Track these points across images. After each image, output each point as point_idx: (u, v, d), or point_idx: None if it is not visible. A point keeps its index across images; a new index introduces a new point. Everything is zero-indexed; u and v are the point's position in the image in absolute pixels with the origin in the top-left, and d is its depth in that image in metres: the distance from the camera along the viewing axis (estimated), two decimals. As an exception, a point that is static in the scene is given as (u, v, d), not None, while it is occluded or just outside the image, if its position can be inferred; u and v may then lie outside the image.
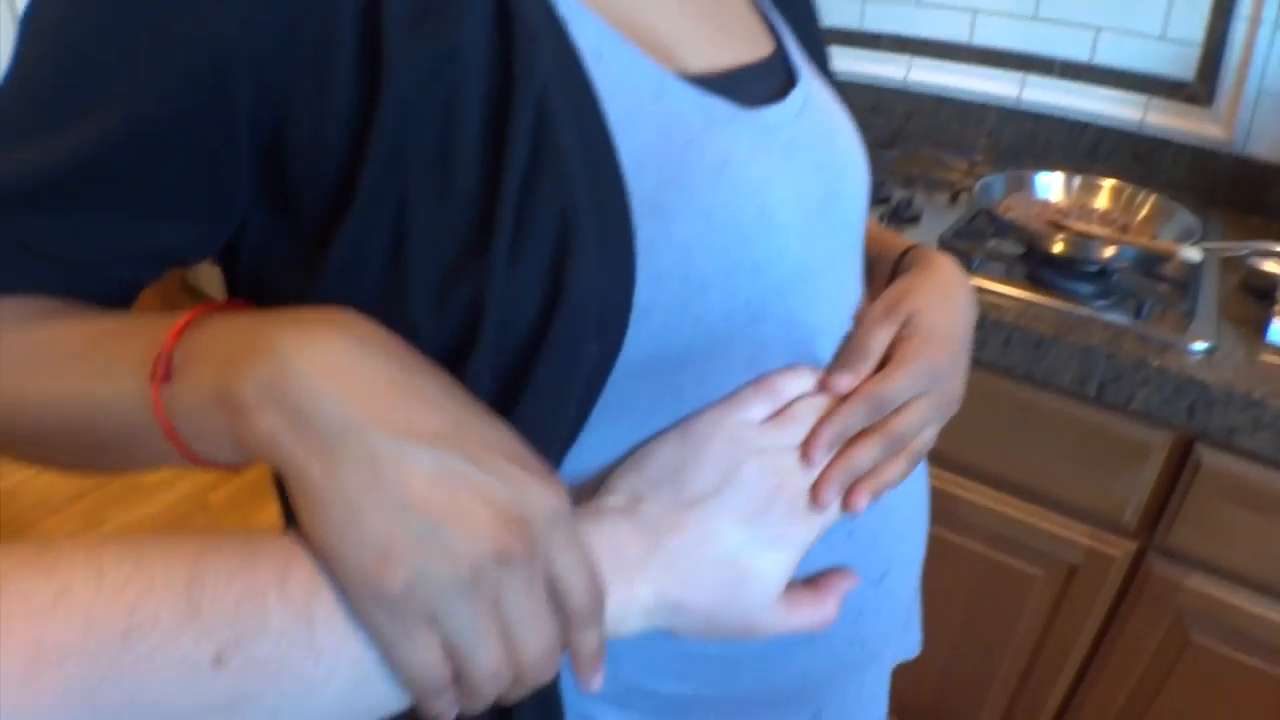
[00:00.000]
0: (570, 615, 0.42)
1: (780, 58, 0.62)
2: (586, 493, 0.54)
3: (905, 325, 0.60)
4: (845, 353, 0.59)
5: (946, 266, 0.67)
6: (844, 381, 0.56)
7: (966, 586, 1.40)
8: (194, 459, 0.44)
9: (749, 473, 0.52)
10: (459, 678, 0.39)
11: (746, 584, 0.51)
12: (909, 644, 0.78)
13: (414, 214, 0.44)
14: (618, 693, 0.62)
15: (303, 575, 0.36)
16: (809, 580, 0.58)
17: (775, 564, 0.52)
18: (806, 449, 0.54)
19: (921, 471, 0.67)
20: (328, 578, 0.37)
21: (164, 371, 0.42)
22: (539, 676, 0.41)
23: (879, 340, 0.59)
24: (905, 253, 0.73)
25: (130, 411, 0.44)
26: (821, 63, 0.71)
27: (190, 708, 0.33)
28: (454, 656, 0.38)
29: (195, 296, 2.76)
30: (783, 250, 0.53)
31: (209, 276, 2.61)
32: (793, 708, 0.66)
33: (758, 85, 0.57)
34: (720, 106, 0.52)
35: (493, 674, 0.39)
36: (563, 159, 0.44)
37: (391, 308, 0.45)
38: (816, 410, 0.55)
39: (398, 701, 0.40)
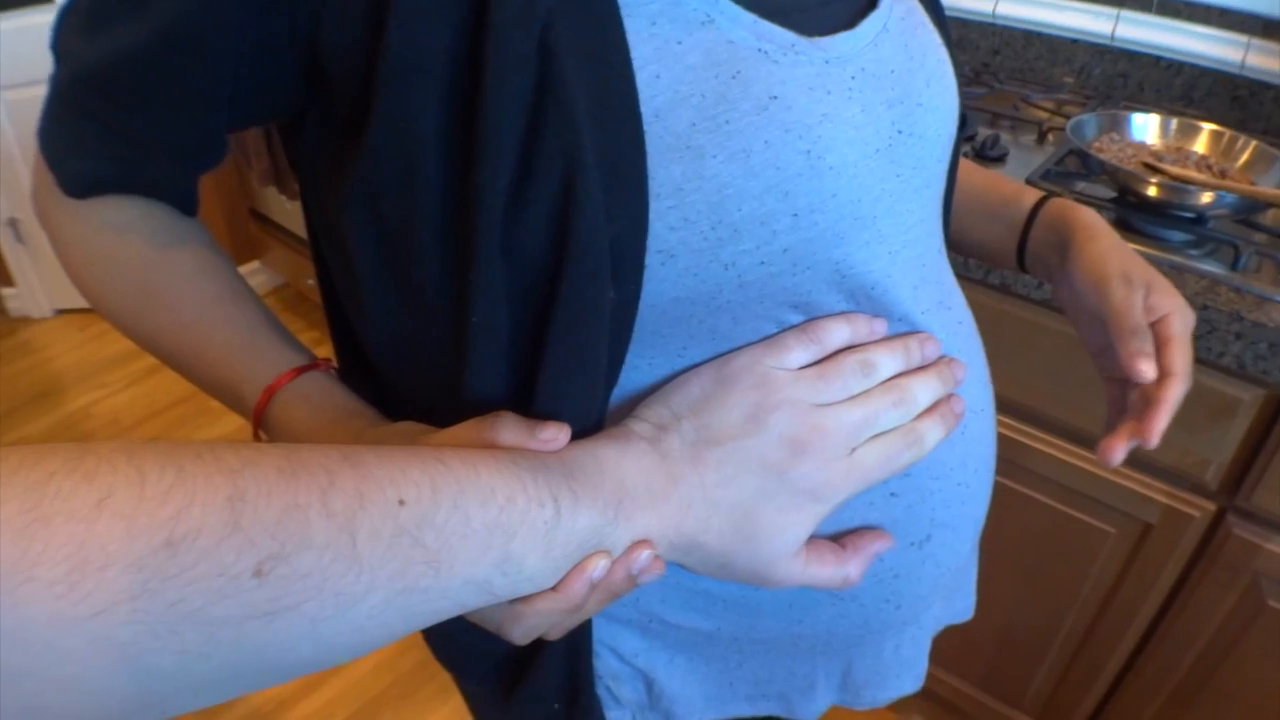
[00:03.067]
0: None
1: None
2: (619, 416, 0.53)
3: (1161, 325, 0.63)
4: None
5: (1110, 235, 0.69)
6: None
7: (1033, 541, 1.37)
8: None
9: (776, 421, 0.50)
10: None
11: (761, 535, 0.50)
12: (959, 609, 0.75)
13: (422, 145, 0.44)
14: (639, 620, 0.62)
15: (346, 490, 0.37)
16: (839, 536, 0.57)
17: (796, 518, 0.51)
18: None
19: (987, 435, 0.64)
20: (371, 492, 0.38)
21: (257, 435, 0.57)
22: None
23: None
24: (1040, 204, 0.70)
25: (234, 403, 0.58)
26: None
27: (231, 616, 0.33)
28: None
29: (261, 223, 2.79)
30: (833, 195, 0.50)
31: (275, 203, 2.62)
32: (820, 659, 0.65)
33: (833, 8, 0.53)
34: (777, 35, 0.48)
35: None
36: (567, 106, 0.43)
37: (406, 229, 0.47)
38: (861, 367, 0.53)
39: (433, 615, 0.41)
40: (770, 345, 0.52)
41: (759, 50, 0.47)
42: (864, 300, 0.54)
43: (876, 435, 0.53)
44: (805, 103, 0.48)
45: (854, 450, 0.52)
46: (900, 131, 0.53)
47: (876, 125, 0.52)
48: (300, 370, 0.57)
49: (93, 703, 0.31)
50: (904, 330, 0.56)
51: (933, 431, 0.55)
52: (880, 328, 0.54)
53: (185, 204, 0.57)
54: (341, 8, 0.43)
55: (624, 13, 0.45)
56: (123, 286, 0.56)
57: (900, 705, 1.74)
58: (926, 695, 1.69)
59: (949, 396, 0.56)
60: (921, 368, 0.55)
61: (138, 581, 0.31)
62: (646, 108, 0.45)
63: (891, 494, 0.58)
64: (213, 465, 0.34)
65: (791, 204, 0.48)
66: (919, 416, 0.54)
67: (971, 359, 0.61)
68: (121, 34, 0.46)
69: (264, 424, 0.57)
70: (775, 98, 0.47)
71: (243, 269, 3.06)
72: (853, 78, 0.51)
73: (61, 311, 3.04)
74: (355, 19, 0.43)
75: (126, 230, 0.55)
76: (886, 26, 0.54)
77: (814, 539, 0.53)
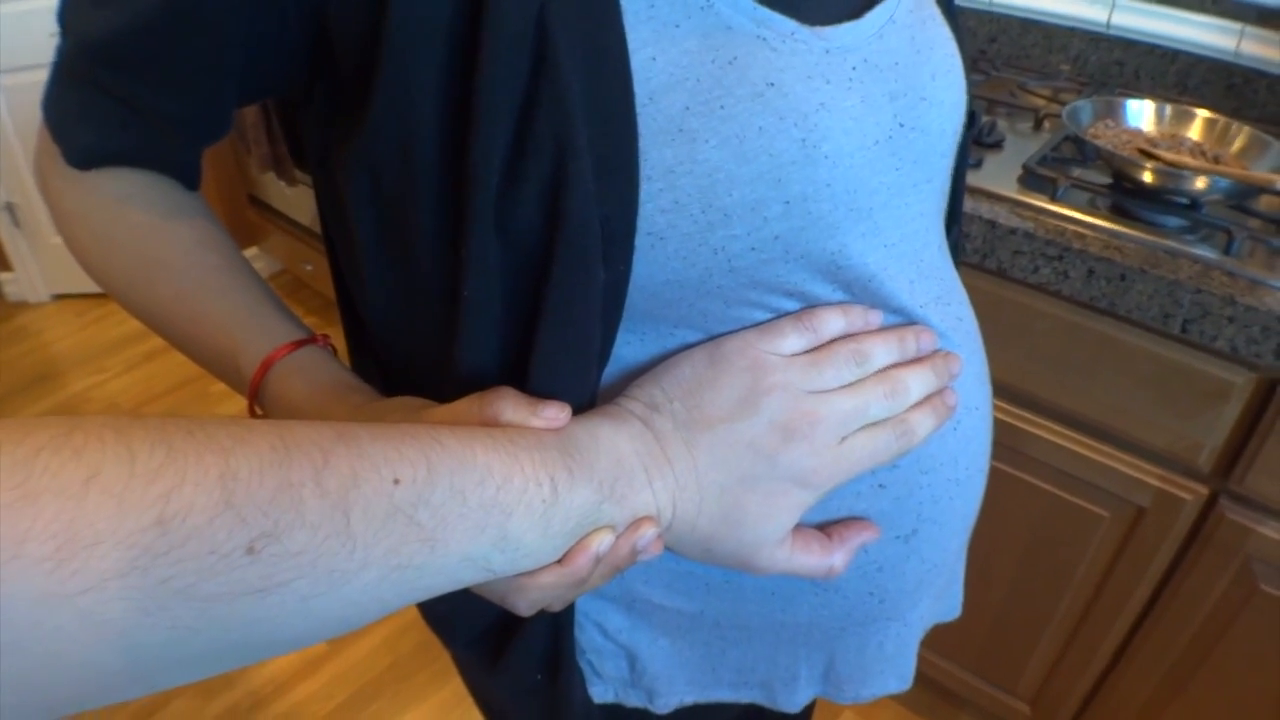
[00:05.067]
0: None
1: None
2: (609, 395, 0.53)
3: None
4: None
5: None
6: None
7: (1028, 524, 1.38)
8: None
9: (768, 405, 0.50)
10: None
11: (747, 520, 0.50)
12: (946, 607, 0.75)
13: (420, 118, 0.45)
14: (624, 598, 0.62)
15: (341, 468, 0.37)
16: (824, 526, 0.57)
17: (783, 503, 0.51)
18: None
19: (982, 433, 0.64)
20: (366, 471, 0.38)
21: (252, 408, 0.57)
22: None
23: None
24: None
25: (231, 376, 0.58)
26: None
27: (222, 593, 0.33)
28: None
29: (260, 209, 2.79)
30: (827, 184, 0.49)
31: (274, 189, 2.62)
32: (803, 650, 0.65)
33: None
34: (777, 22, 0.48)
35: None
36: (561, 86, 0.43)
37: (404, 201, 0.48)
38: (854, 356, 0.52)
39: (429, 590, 0.41)
40: (765, 330, 0.52)
41: (757, 37, 0.47)
42: (860, 292, 0.54)
43: (867, 425, 0.52)
44: (802, 91, 0.48)
45: (844, 439, 0.51)
46: (902, 125, 0.53)
47: (877, 117, 0.51)
48: (298, 344, 0.57)
49: (82, 677, 0.31)
50: (902, 322, 0.56)
51: (924, 423, 0.54)
52: (876, 319, 0.54)
53: (188, 178, 0.58)
54: None
55: None
56: (124, 257, 0.56)
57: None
58: (920, 680, 1.70)
59: (942, 390, 0.56)
60: (916, 360, 0.55)
61: (127, 559, 0.31)
62: (641, 90, 0.45)
63: (880, 485, 0.57)
64: (204, 443, 0.34)
65: (784, 191, 0.48)
66: (911, 409, 0.54)
67: (970, 356, 0.61)
68: (131, 4, 0.46)
69: (260, 397, 0.57)
70: (772, 85, 0.47)
71: (240, 255, 3.05)
72: (854, 68, 0.50)
73: (59, 296, 3.04)
74: None
75: (129, 201, 0.55)
76: (894, 18, 0.54)
77: (800, 527, 0.53)
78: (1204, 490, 1.20)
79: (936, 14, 0.58)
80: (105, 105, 0.51)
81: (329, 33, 0.45)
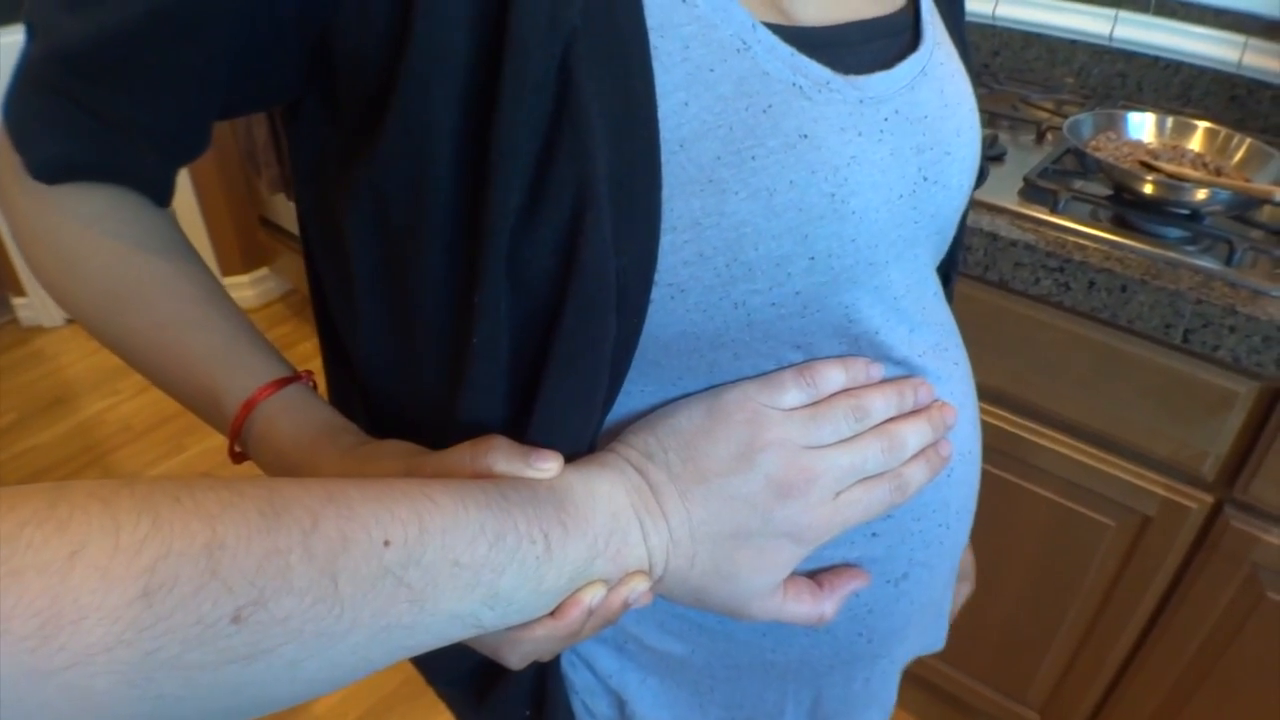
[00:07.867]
0: None
1: (911, 15, 0.56)
2: (604, 441, 0.53)
3: None
4: None
5: None
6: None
7: (1034, 534, 1.38)
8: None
9: (764, 460, 0.50)
10: None
11: (740, 573, 0.50)
12: (930, 640, 0.75)
13: (435, 154, 0.43)
14: (615, 639, 0.62)
15: (329, 531, 0.37)
16: (816, 574, 0.57)
17: (776, 558, 0.51)
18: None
19: (972, 478, 0.64)
20: (356, 534, 0.37)
21: (234, 455, 0.55)
22: None
23: None
24: None
25: (209, 413, 0.55)
26: (956, 23, 0.62)
27: (208, 662, 0.33)
28: None
29: (269, 229, 2.81)
30: (851, 240, 0.48)
31: (284, 210, 2.64)
32: (791, 686, 0.65)
33: (873, 45, 0.52)
34: (813, 70, 0.47)
35: None
36: (583, 132, 0.41)
37: (412, 238, 0.46)
38: (853, 412, 0.52)
39: (418, 648, 0.41)
40: (765, 383, 0.51)
41: (793, 84, 0.46)
42: (865, 343, 0.54)
43: (863, 479, 0.52)
44: (835, 144, 0.47)
45: (839, 493, 0.51)
46: (926, 179, 0.52)
47: (903, 170, 0.51)
48: (282, 383, 0.54)
49: None
50: (901, 372, 0.56)
51: (918, 476, 0.55)
52: (877, 372, 0.54)
53: (161, 195, 0.54)
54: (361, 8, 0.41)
55: (656, 34, 0.43)
56: (93, 284, 0.53)
57: (904, 700, 1.75)
58: (929, 689, 1.70)
59: (937, 441, 0.57)
60: (914, 412, 0.55)
61: (113, 633, 0.31)
62: (671, 136, 0.43)
63: (873, 534, 0.58)
64: (191, 510, 0.34)
65: (810, 247, 0.47)
66: (906, 461, 0.54)
67: (963, 401, 0.61)
68: (111, 9, 0.43)
69: (243, 437, 0.54)
70: (805, 136, 0.46)
71: (250, 275, 3.09)
72: (885, 119, 0.50)
73: (72, 320, 3.07)
74: (378, 12, 0.41)
75: (98, 222, 0.52)
76: (925, 70, 0.53)
77: (792, 576, 0.53)
78: (1209, 499, 1.21)
79: (961, 68, 0.58)
80: (75, 116, 0.47)
81: (332, 49, 0.43)
